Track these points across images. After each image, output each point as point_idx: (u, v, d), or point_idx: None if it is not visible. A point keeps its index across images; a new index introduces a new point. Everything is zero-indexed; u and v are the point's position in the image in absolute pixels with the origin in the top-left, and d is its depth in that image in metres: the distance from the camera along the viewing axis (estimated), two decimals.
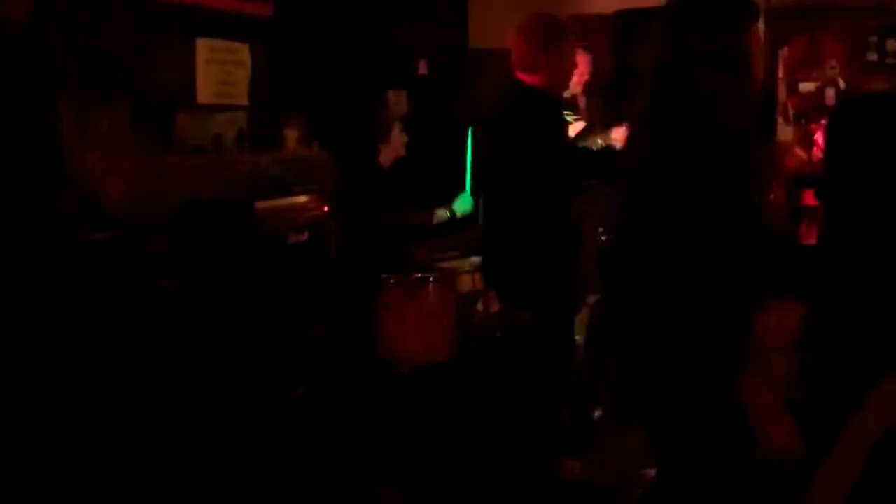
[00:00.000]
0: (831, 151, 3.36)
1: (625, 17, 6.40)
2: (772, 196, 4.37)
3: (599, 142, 5.07)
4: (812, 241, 6.22)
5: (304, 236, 4.32)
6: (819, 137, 7.47)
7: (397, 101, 5.48)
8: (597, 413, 5.07)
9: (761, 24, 2.69)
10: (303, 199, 4.44)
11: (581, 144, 5.06)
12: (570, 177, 4.29)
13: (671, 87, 2.45)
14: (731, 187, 2.33)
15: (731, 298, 2.32)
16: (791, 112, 7.85)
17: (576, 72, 5.55)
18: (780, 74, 8.17)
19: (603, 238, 4.53)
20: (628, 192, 2.57)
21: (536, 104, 4.23)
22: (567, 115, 5.48)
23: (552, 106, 4.28)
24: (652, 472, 3.54)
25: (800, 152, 7.37)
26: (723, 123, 2.37)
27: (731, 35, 2.46)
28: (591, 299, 4.72)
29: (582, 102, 5.62)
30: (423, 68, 3.08)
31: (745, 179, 2.35)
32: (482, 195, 4.55)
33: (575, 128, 5.39)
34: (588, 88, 5.45)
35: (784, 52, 8.24)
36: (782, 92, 8.07)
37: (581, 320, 4.73)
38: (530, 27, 4.31)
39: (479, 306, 4.36)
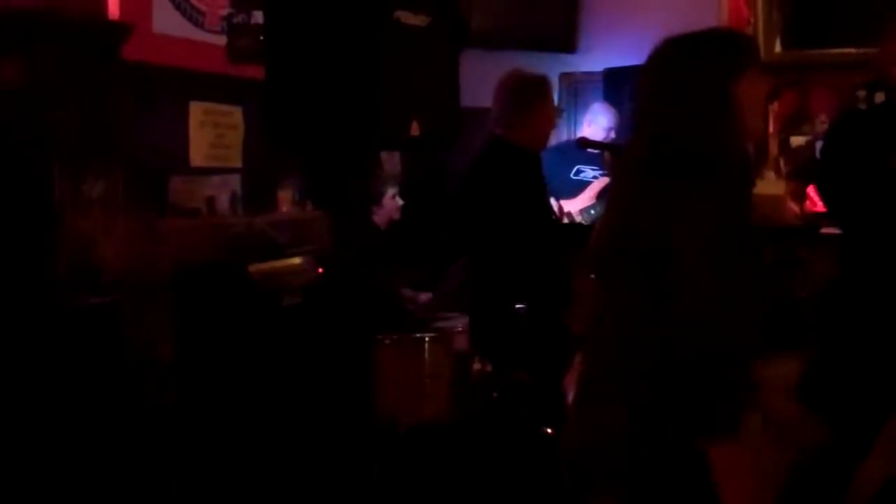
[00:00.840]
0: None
1: (615, 75, 6.44)
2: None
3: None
4: (805, 293, 6.22)
5: (299, 298, 4.31)
6: (811, 191, 7.49)
7: (390, 161, 5.51)
8: None
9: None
10: (297, 260, 4.44)
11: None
12: (549, 233, 4.29)
13: (658, 141, 2.43)
14: (729, 239, 2.29)
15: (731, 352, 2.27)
16: (783, 167, 7.89)
17: (602, 128, 5.60)
18: (771, 129, 8.22)
19: None
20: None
21: (510, 161, 4.23)
22: (594, 169, 5.53)
23: (527, 163, 4.28)
24: None
25: (792, 206, 7.39)
26: (713, 174, 2.33)
27: (720, 83, 2.40)
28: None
29: (608, 158, 5.61)
30: (415, 129, 3.08)
31: (741, 230, 2.31)
32: (467, 255, 4.54)
33: (600, 184, 5.45)
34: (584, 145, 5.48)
35: (774, 108, 8.30)
36: (773, 147, 8.12)
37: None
38: (507, 84, 4.33)
39: (476, 365, 4.33)
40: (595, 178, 5.56)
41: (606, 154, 5.46)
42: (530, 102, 4.27)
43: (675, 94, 2.41)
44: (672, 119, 2.41)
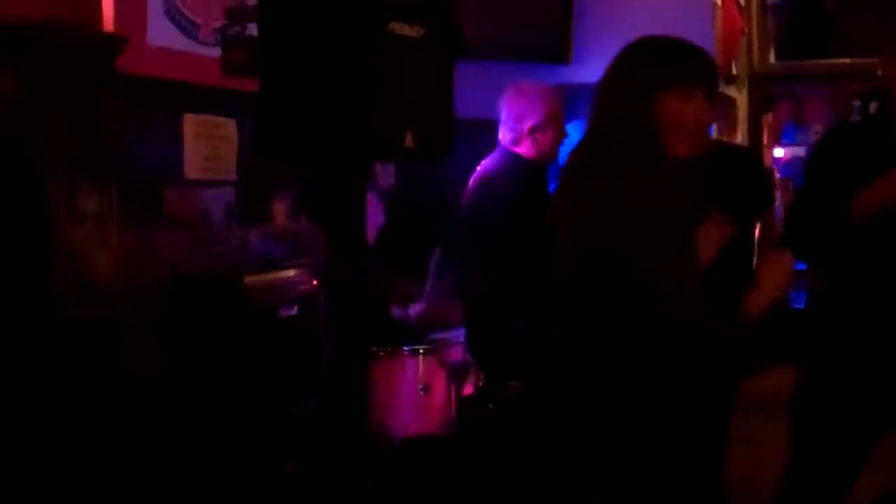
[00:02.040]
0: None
1: None
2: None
3: None
4: (800, 305, 6.22)
5: (294, 310, 4.31)
6: None
7: (384, 172, 5.51)
8: None
9: (741, 93, 2.63)
10: (292, 272, 4.44)
11: None
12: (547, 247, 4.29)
13: (594, 142, 2.45)
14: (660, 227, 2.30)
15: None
16: (776, 177, 7.91)
17: None
18: (765, 140, 8.24)
19: None
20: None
21: (517, 173, 4.25)
22: None
23: (531, 175, 4.30)
24: None
25: None
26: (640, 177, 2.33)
27: (640, 98, 2.39)
28: None
29: None
30: (409, 140, 3.08)
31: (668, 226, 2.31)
32: (467, 265, 4.54)
33: None
34: None
35: (768, 118, 8.32)
36: (768, 157, 8.14)
37: None
38: (514, 96, 4.35)
39: (471, 377, 4.33)
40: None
41: None
42: (537, 115, 4.29)
43: (605, 97, 2.45)
44: (605, 119, 2.44)
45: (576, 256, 2.41)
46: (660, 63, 2.41)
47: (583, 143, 2.51)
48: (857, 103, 7.97)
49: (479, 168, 4.41)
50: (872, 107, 7.84)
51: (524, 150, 4.31)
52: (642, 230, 2.25)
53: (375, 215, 4.88)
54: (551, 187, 4.49)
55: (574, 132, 5.58)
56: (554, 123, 4.37)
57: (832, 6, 8.19)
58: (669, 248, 2.26)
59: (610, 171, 2.35)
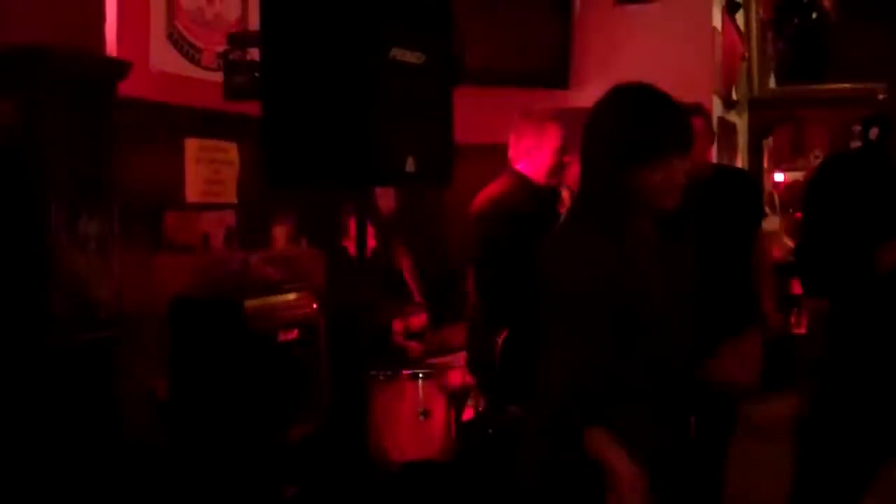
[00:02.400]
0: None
1: None
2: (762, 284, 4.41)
3: None
4: (802, 330, 6.22)
5: (294, 334, 4.31)
6: None
7: (385, 197, 5.52)
8: None
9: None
10: (292, 296, 4.44)
11: None
12: None
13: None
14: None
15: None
16: (777, 201, 7.92)
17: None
18: (766, 164, 8.25)
19: None
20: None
21: (522, 195, 4.27)
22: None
23: (539, 197, 4.32)
24: None
25: (788, 241, 7.41)
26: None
27: (615, 166, 2.47)
28: None
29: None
30: (410, 165, 3.09)
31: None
32: (472, 287, 4.55)
33: None
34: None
35: (769, 142, 8.34)
36: (768, 181, 8.15)
37: None
38: (521, 120, 4.39)
39: (471, 402, 4.33)
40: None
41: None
42: (546, 138, 4.33)
43: (588, 160, 2.52)
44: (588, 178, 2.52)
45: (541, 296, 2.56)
46: (639, 137, 2.45)
47: (577, 192, 2.63)
48: (857, 128, 7.98)
49: (487, 190, 4.42)
50: (873, 132, 7.87)
51: (532, 172, 4.34)
52: (561, 295, 2.45)
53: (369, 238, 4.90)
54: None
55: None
56: (554, 146, 4.40)
57: (835, 18, 8.22)
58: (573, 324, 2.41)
59: (574, 224, 2.49)
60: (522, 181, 4.35)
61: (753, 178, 5.40)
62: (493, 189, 4.41)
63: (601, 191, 2.48)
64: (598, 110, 2.56)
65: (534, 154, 4.34)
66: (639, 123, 2.46)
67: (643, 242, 2.47)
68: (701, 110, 4.32)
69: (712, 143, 4.84)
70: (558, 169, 4.48)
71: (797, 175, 8.21)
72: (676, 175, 2.43)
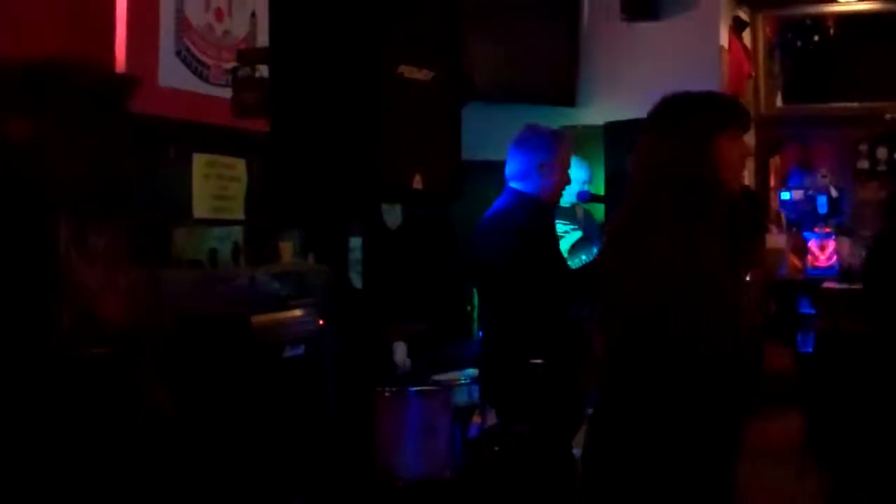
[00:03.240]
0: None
1: (615, 128, 6.49)
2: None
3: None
4: (808, 349, 6.22)
5: (300, 350, 4.31)
6: (812, 245, 7.51)
7: (392, 213, 5.54)
8: None
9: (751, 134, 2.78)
10: (298, 312, 4.44)
11: (576, 256, 5.09)
12: (561, 284, 4.30)
13: (645, 195, 2.53)
14: (703, 288, 2.38)
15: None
16: (784, 220, 7.91)
17: (577, 181, 5.59)
18: (772, 183, 8.25)
19: None
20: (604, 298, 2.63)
21: (526, 213, 4.28)
22: (564, 224, 5.52)
23: (541, 213, 4.33)
24: None
25: (794, 260, 7.41)
26: (693, 225, 2.43)
27: (701, 143, 2.53)
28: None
29: (579, 213, 5.66)
30: (417, 182, 3.10)
31: (717, 279, 2.40)
32: (478, 305, 4.57)
33: (571, 238, 5.43)
34: (585, 198, 5.50)
35: (776, 161, 8.34)
36: (774, 200, 8.15)
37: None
38: (522, 137, 4.40)
39: (476, 419, 4.33)
40: (566, 232, 5.56)
41: (578, 209, 5.50)
42: (542, 156, 4.33)
43: (660, 150, 2.54)
44: (655, 172, 2.53)
45: (625, 311, 2.52)
46: (710, 111, 2.60)
47: (629, 199, 2.64)
48: (864, 147, 7.99)
49: (490, 209, 4.44)
50: (881, 152, 7.88)
51: (532, 188, 4.34)
52: (681, 299, 2.37)
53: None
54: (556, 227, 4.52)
55: (577, 173, 5.62)
56: (562, 164, 4.41)
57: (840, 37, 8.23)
58: (707, 316, 2.37)
59: (658, 227, 2.47)
60: (524, 198, 4.35)
61: (756, 192, 5.42)
62: (494, 207, 4.42)
63: (686, 172, 2.51)
64: (660, 110, 2.65)
65: (537, 172, 4.34)
66: (704, 99, 2.59)
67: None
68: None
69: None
70: (562, 186, 4.49)
71: (803, 194, 8.20)
72: (744, 148, 2.58)
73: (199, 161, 4.74)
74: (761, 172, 8.17)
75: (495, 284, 4.33)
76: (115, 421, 3.77)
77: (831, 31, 8.28)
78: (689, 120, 2.61)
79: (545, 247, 4.33)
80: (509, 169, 4.45)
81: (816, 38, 8.32)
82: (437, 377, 4.60)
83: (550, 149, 4.40)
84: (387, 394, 4.23)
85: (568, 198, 5.14)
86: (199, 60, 4.77)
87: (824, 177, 8.09)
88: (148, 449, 3.96)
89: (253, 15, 5.08)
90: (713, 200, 2.51)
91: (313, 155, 3.05)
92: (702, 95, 2.71)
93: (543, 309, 4.22)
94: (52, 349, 3.61)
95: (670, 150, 2.56)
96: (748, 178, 7.94)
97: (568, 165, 4.53)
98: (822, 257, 7.48)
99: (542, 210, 4.37)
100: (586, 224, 5.62)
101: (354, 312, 4.62)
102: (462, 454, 4.26)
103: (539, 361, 4.06)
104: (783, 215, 8.00)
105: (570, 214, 5.53)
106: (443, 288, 5.25)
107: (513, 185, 4.42)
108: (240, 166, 4.94)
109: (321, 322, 4.44)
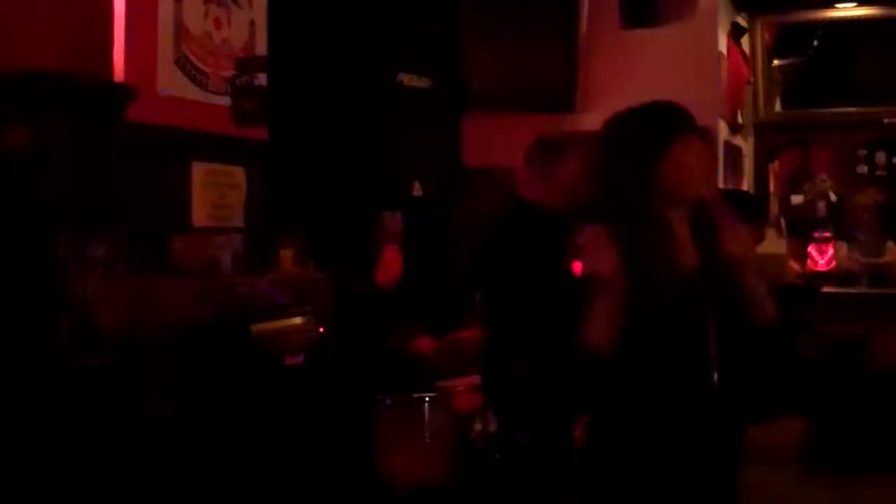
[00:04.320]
0: None
1: None
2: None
3: None
4: (810, 353, 6.21)
5: (300, 358, 4.30)
6: (811, 250, 7.50)
7: (392, 220, 5.53)
8: None
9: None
10: (299, 320, 4.43)
11: None
12: (562, 294, 4.29)
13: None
14: None
15: None
16: (784, 225, 7.91)
17: None
18: (772, 188, 8.25)
19: None
20: None
21: (524, 218, 4.26)
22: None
23: (542, 221, 4.30)
24: None
25: (794, 265, 7.40)
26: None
27: (653, 160, 2.53)
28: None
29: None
30: (417, 189, 3.10)
31: None
32: (480, 312, 4.54)
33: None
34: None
35: (775, 166, 8.33)
36: (774, 205, 8.14)
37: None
38: (531, 144, 4.38)
39: (478, 426, 4.31)
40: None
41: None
42: (548, 162, 4.30)
43: (603, 171, 2.58)
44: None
45: None
46: (655, 124, 2.57)
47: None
48: (863, 152, 7.99)
49: (495, 217, 4.41)
50: (880, 157, 7.87)
51: (536, 196, 4.32)
52: None
53: (395, 267, 4.90)
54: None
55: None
56: (567, 171, 4.38)
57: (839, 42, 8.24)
58: None
59: None
60: (527, 206, 4.33)
61: (756, 196, 5.43)
62: (499, 215, 4.40)
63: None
64: (611, 126, 2.65)
65: (548, 180, 4.31)
66: (648, 112, 2.55)
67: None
68: (705, 134, 4.32)
69: (715, 167, 4.86)
70: (575, 195, 4.45)
71: (803, 199, 8.20)
72: (695, 152, 2.52)
73: (198, 169, 4.73)
74: (761, 178, 8.16)
75: (496, 292, 4.32)
76: (114, 430, 3.77)
77: (830, 37, 8.28)
78: (633, 135, 2.60)
79: (546, 255, 4.31)
80: (518, 176, 4.43)
81: (815, 43, 8.31)
82: (438, 384, 4.59)
83: (554, 155, 4.38)
84: (388, 401, 4.22)
85: None
86: (197, 69, 4.76)
87: (823, 181, 8.08)
88: (148, 457, 3.96)
89: (252, 23, 5.07)
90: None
91: (313, 163, 3.05)
92: (641, 109, 2.67)
93: (545, 317, 4.21)
94: (51, 360, 3.61)
95: (617, 165, 2.59)
96: (747, 183, 7.94)
97: (574, 175, 4.47)
98: (822, 262, 7.48)
99: (546, 218, 4.35)
100: None
101: (355, 319, 4.62)
102: (464, 462, 4.25)
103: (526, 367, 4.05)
104: (783, 220, 7.99)
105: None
106: (445, 295, 5.24)
107: (519, 191, 4.40)
108: (239, 174, 4.93)
109: (321, 330, 4.44)
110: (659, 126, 2.54)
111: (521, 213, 4.31)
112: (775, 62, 8.35)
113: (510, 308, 4.20)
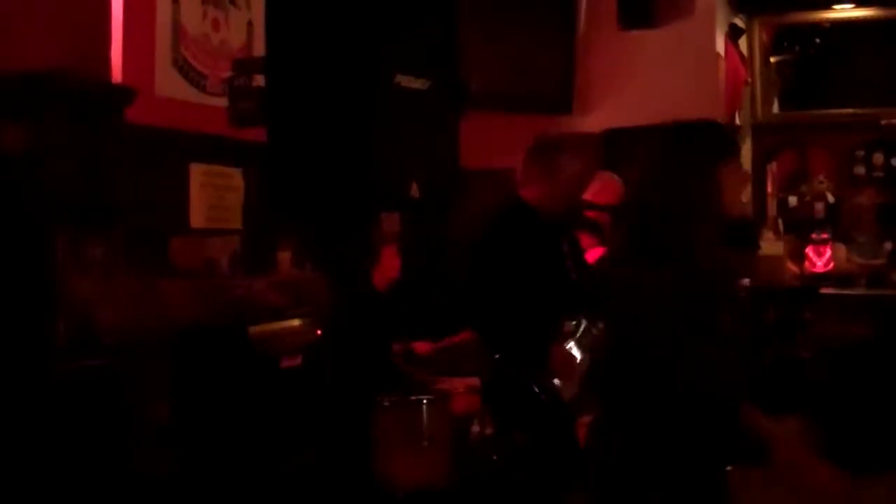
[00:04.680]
0: None
1: (613, 136, 6.49)
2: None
3: None
4: (808, 353, 6.21)
5: (298, 360, 4.30)
6: (809, 251, 7.50)
7: (390, 222, 5.53)
8: None
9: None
10: (296, 322, 4.43)
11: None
12: (558, 294, 4.29)
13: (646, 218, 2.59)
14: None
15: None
16: (781, 226, 7.91)
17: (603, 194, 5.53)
18: (769, 189, 8.25)
19: None
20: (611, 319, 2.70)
21: (523, 219, 4.26)
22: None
23: (537, 222, 4.30)
24: None
25: (791, 266, 7.40)
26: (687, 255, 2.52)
27: (706, 169, 2.59)
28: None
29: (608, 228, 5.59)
30: (415, 190, 3.10)
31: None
32: (475, 313, 4.54)
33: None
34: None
35: (772, 167, 8.34)
36: (772, 206, 8.14)
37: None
38: (530, 144, 4.37)
39: (475, 428, 4.31)
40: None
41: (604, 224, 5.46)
42: (544, 163, 4.29)
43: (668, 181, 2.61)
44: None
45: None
46: (710, 144, 2.66)
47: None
48: (860, 153, 8.00)
49: (492, 217, 4.41)
50: (877, 158, 7.88)
51: (533, 197, 4.31)
52: None
53: (394, 269, 4.90)
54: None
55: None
56: (567, 172, 4.37)
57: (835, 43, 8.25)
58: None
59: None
60: (522, 207, 4.32)
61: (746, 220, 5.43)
62: (496, 216, 4.40)
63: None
64: (659, 140, 2.74)
65: (546, 180, 4.31)
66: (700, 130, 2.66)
67: None
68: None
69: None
70: (574, 197, 4.44)
71: (801, 200, 8.21)
72: (742, 174, 2.63)
73: (196, 171, 4.73)
74: (759, 179, 8.17)
75: (489, 294, 4.32)
76: (111, 432, 3.77)
77: (827, 38, 8.29)
78: (688, 153, 2.66)
79: (539, 256, 4.30)
80: (517, 176, 4.42)
81: (813, 44, 8.32)
82: (436, 386, 4.59)
83: (551, 155, 4.37)
84: (386, 403, 4.22)
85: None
86: (195, 70, 4.77)
87: (821, 183, 8.09)
88: (144, 459, 3.95)
89: (249, 24, 5.08)
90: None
91: (310, 164, 3.04)
92: (694, 128, 2.75)
93: (539, 319, 4.20)
94: (48, 361, 3.61)
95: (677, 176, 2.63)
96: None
97: (573, 175, 4.46)
98: (820, 263, 7.48)
99: (538, 219, 4.34)
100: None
101: (353, 322, 4.62)
102: (461, 463, 4.24)
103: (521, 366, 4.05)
104: (780, 222, 7.99)
105: (594, 229, 5.49)
106: (442, 296, 5.23)
107: (520, 192, 4.39)
108: (237, 176, 4.94)
109: (319, 332, 4.43)
110: (716, 146, 2.64)
111: (519, 214, 4.30)
112: (773, 63, 8.36)
113: (507, 308, 4.20)
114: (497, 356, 4.10)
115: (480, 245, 4.35)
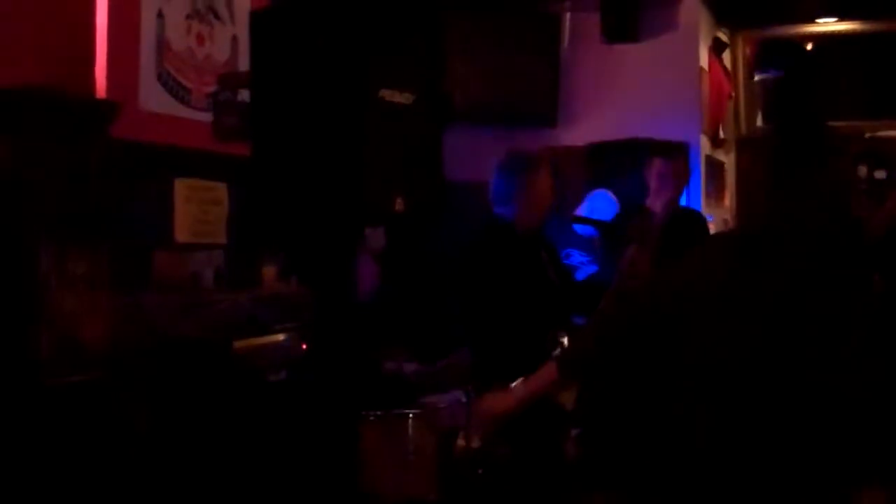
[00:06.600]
0: None
1: (598, 149, 6.51)
2: None
3: None
4: None
5: (283, 374, 4.30)
6: None
7: (375, 237, 5.52)
8: None
9: None
10: (281, 336, 4.43)
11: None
12: (540, 303, 4.30)
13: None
14: None
15: None
16: None
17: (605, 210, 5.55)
18: None
19: None
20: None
21: (494, 237, 4.27)
22: (582, 255, 5.50)
23: (512, 238, 4.31)
24: None
25: None
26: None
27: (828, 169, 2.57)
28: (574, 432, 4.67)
29: (597, 243, 5.60)
30: (399, 204, 3.10)
31: None
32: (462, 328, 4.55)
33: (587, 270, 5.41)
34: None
35: None
36: None
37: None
38: (502, 160, 4.39)
39: (461, 442, 4.31)
40: (582, 263, 5.53)
41: (595, 241, 5.47)
42: (519, 178, 4.31)
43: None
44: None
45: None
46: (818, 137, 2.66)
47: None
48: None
49: (470, 233, 4.42)
50: (861, 170, 7.92)
51: (509, 213, 4.33)
52: None
53: (370, 278, 4.88)
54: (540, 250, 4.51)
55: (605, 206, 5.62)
56: (538, 187, 4.39)
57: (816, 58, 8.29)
58: None
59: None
60: (497, 223, 4.33)
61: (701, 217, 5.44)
62: (474, 231, 4.41)
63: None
64: (775, 138, 2.76)
65: (518, 198, 4.32)
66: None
67: None
68: (683, 151, 4.37)
69: (686, 184, 4.92)
70: (546, 209, 4.47)
71: None
72: None
73: (181, 185, 4.73)
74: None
75: (470, 309, 4.33)
76: (96, 447, 3.75)
77: (811, 52, 8.33)
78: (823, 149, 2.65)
79: (520, 271, 4.31)
80: (491, 193, 4.44)
81: (796, 57, 8.36)
82: (421, 400, 4.58)
83: (525, 171, 4.39)
84: (372, 417, 4.21)
85: (586, 230, 5.16)
86: (180, 84, 4.77)
87: None
88: (130, 474, 3.94)
89: (234, 39, 5.08)
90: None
91: (295, 179, 3.04)
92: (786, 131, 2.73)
93: (520, 332, 4.21)
94: (32, 377, 3.60)
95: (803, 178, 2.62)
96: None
97: (546, 189, 4.49)
98: None
99: (514, 234, 4.35)
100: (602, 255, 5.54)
101: (338, 336, 4.61)
102: (447, 477, 4.24)
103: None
104: None
105: (589, 245, 5.49)
106: (427, 310, 5.23)
107: (495, 209, 4.41)
108: (221, 190, 4.93)
109: (304, 346, 4.43)
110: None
111: (495, 232, 4.32)
112: (756, 77, 8.39)
113: (495, 323, 4.21)
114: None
115: (460, 267, 4.37)
